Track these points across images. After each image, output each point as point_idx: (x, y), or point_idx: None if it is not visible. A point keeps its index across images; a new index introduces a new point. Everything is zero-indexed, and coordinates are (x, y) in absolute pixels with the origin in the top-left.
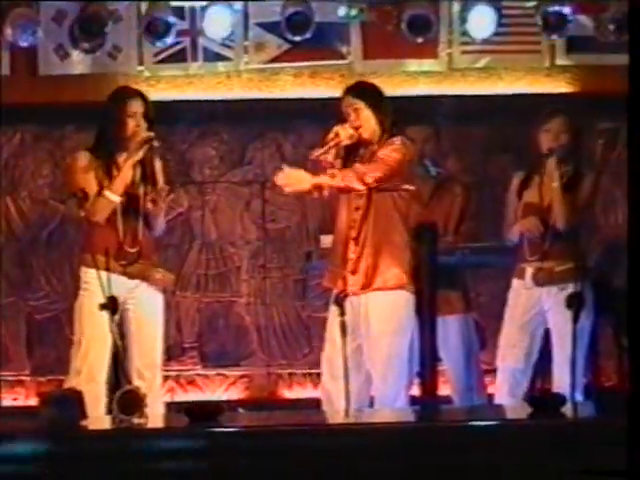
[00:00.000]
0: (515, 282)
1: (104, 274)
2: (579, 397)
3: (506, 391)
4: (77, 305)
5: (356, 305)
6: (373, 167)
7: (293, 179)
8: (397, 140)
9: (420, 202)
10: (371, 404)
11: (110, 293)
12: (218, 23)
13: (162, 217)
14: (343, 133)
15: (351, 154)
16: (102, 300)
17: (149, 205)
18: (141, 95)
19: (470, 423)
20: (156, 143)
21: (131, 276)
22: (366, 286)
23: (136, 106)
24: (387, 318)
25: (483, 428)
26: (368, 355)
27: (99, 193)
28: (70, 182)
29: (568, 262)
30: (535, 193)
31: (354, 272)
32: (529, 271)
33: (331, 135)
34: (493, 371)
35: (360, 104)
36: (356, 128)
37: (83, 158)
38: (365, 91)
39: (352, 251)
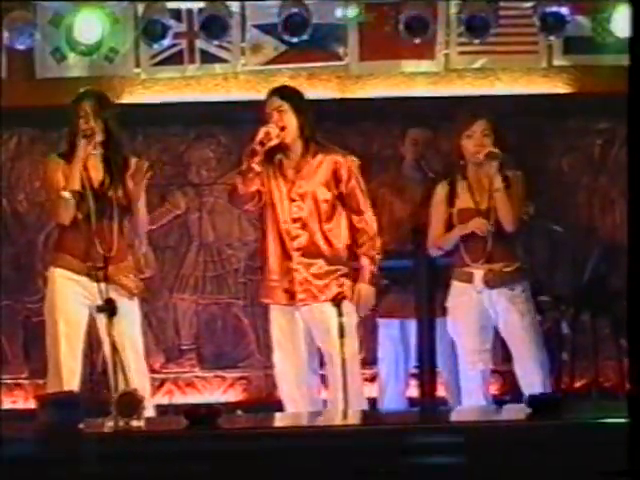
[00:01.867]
0: (459, 286)
1: (103, 285)
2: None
3: (479, 396)
4: (45, 306)
5: (306, 314)
6: (368, 206)
7: (367, 301)
8: (355, 160)
9: (413, 204)
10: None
11: (107, 297)
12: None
13: (142, 202)
14: (273, 132)
15: (271, 162)
16: (80, 300)
17: (130, 184)
18: (96, 95)
19: (469, 424)
20: (100, 137)
21: (98, 279)
22: (314, 298)
23: (86, 106)
24: (336, 326)
25: (482, 429)
26: (329, 360)
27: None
28: (43, 187)
29: (513, 263)
30: (468, 199)
31: (302, 284)
32: (478, 274)
33: (262, 135)
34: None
35: (285, 106)
36: (281, 129)
37: (50, 163)
38: (291, 94)
39: (297, 262)
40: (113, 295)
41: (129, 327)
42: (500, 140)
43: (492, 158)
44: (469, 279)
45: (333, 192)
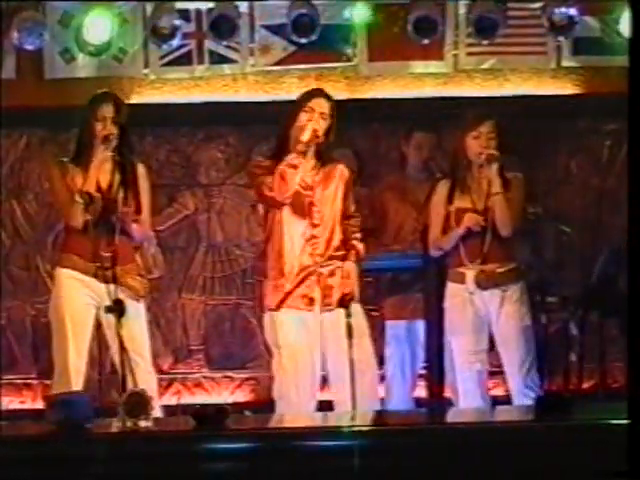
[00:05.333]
0: (452, 287)
1: (112, 286)
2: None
3: (476, 398)
4: (51, 307)
5: (334, 320)
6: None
7: None
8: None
9: (418, 205)
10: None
11: (116, 297)
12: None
13: (140, 230)
14: (320, 133)
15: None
16: (87, 301)
17: (138, 187)
18: (114, 100)
19: (476, 425)
20: (113, 139)
21: (105, 280)
22: (340, 303)
23: (105, 111)
24: (360, 326)
25: (490, 430)
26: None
27: (73, 197)
28: (50, 191)
29: (508, 264)
30: (466, 198)
31: (326, 288)
32: (470, 275)
33: (311, 135)
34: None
35: (328, 113)
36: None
37: (59, 164)
38: (334, 102)
39: (320, 266)
40: (120, 296)
41: (136, 328)
42: (505, 142)
43: (492, 161)
44: (461, 280)
45: (342, 199)
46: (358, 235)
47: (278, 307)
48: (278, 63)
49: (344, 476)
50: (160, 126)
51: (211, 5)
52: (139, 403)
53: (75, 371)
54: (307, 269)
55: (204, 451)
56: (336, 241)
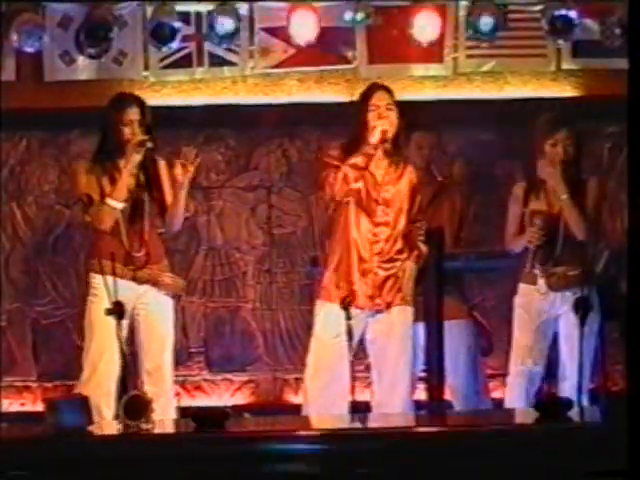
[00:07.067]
0: (524, 287)
1: (110, 279)
2: (585, 401)
3: (521, 394)
4: (87, 311)
5: (382, 320)
6: None
7: None
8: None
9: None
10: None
11: (116, 298)
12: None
13: (183, 200)
14: (390, 131)
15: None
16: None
17: (178, 171)
18: (138, 102)
19: (476, 428)
20: (149, 144)
21: (141, 281)
22: (391, 304)
23: (132, 114)
24: (405, 330)
25: (489, 433)
26: (384, 362)
27: (102, 200)
28: (75, 190)
29: (579, 267)
30: (542, 201)
31: (381, 288)
32: (542, 277)
33: (380, 135)
34: (501, 375)
35: (393, 105)
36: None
37: (84, 166)
38: (391, 91)
39: (377, 266)
40: (156, 296)
41: (167, 327)
42: (580, 147)
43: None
44: (533, 281)
45: (408, 201)
46: (422, 238)
47: (327, 300)
48: (278, 65)
49: (343, 477)
50: (160, 128)
51: (211, 7)
52: (139, 405)
53: (109, 372)
54: (365, 268)
55: (204, 454)
56: (399, 243)
